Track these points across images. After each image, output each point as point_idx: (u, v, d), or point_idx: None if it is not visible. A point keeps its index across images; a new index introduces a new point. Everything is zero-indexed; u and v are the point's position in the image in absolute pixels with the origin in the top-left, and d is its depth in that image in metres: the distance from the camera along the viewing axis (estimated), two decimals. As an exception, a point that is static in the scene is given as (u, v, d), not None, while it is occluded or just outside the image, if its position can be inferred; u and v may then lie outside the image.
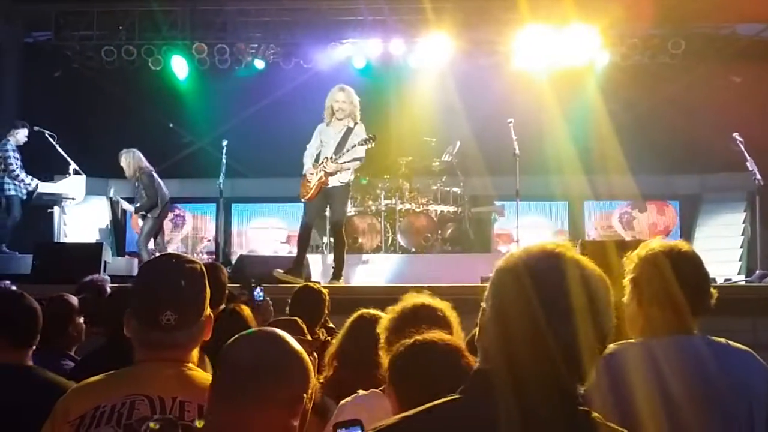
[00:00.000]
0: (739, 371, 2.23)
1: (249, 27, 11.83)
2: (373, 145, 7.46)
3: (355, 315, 3.28)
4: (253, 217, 12.86)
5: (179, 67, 11.70)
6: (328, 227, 10.08)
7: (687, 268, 2.29)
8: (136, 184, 9.02)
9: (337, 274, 7.37)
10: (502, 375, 1.33)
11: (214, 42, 11.61)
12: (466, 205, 10.70)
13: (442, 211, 10.33)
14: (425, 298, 2.59)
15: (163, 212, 9.19)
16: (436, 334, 2.05)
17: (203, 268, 2.03)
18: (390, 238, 9.92)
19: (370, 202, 10.07)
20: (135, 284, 2.07)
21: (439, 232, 10.28)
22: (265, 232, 12.71)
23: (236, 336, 1.66)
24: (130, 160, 9.02)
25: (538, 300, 1.33)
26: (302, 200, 7.54)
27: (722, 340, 2.31)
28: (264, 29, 11.80)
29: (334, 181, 7.32)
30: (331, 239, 8.53)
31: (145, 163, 9.09)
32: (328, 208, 8.12)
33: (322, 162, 7.32)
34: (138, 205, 9.04)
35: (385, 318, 2.65)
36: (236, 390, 1.55)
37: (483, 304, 1.42)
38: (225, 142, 9.14)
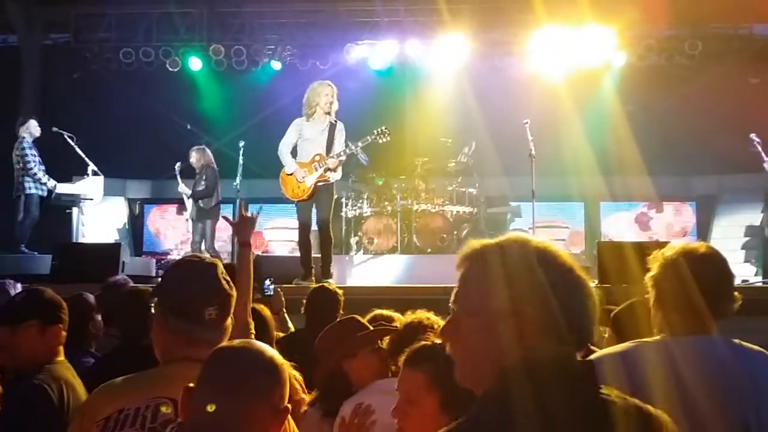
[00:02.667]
0: (751, 371, 2.24)
1: (265, 28, 11.91)
2: (389, 138, 7.46)
3: (369, 315, 3.31)
4: (270, 217, 12.92)
5: (196, 68, 11.80)
6: (344, 227, 10.15)
7: (708, 271, 2.29)
8: (202, 178, 9.78)
9: (326, 273, 7.30)
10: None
11: (231, 43, 11.70)
12: (482, 206, 10.69)
13: (457, 211, 10.32)
14: (422, 315, 2.64)
15: (216, 209, 9.87)
16: None
17: (224, 269, 2.08)
18: (406, 239, 9.93)
19: (386, 203, 10.08)
20: (169, 282, 2.10)
21: (455, 232, 10.28)
22: (282, 233, 12.77)
23: (228, 343, 1.72)
24: (200, 155, 9.88)
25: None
26: (296, 201, 7.43)
27: (736, 340, 2.32)
28: (280, 31, 11.87)
29: (329, 179, 7.29)
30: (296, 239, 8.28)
31: (212, 160, 9.86)
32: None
33: (316, 159, 7.28)
34: (194, 191, 9.85)
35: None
36: (237, 383, 1.58)
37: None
38: (242, 143, 9.22)
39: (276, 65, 11.91)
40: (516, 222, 11.11)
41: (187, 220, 10.37)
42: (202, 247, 9.72)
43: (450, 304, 1.46)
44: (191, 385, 1.59)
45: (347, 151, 7.38)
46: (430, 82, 11.93)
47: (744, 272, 10.68)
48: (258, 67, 11.91)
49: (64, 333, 2.83)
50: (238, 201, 9.43)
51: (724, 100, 10.85)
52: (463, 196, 10.44)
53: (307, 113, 7.36)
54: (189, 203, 10.06)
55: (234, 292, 2.06)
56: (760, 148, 8.00)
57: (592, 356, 2.43)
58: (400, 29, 11.51)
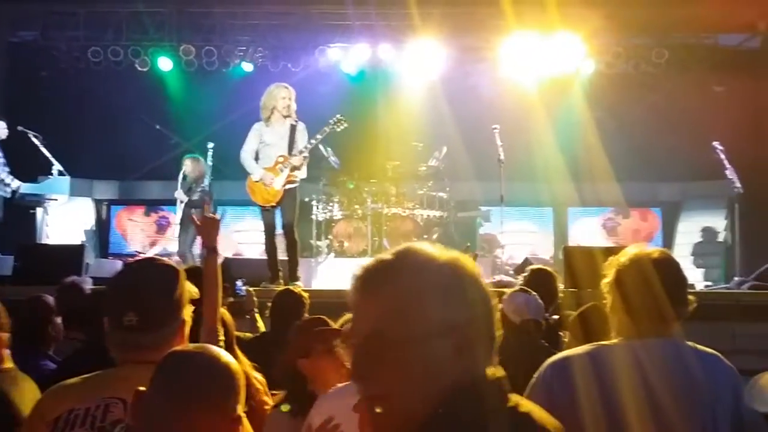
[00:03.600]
0: (705, 374, 2.29)
1: (237, 30, 11.84)
2: (345, 125, 7.44)
3: (342, 320, 3.31)
4: (241, 219, 12.84)
5: (166, 68, 11.71)
6: (314, 231, 10.13)
7: (663, 275, 2.34)
8: (199, 187, 9.62)
9: (293, 277, 7.26)
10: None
11: (201, 44, 11.61)
12: (452, 210, 10.74)
13: (428, 215, 10.36)
14: None
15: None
16: None
17: (179, 272, 2.06)
18: (376, 242, 9.94)
19: (357, 206, 10.09)
20: (107, 286, 2.11)
21: (425, 236, 10.31)
22: (252, 235, 12.70)
23: (182, 347, 1.72)
24: (196, 165, 9.70)
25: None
26: (267, 207, 7.35)
27: (690, 343, 2.36)
28: (252, 32, 11.82)
29: (296, 180, 7.27)
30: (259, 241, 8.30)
31: (206, 170, 9.67)
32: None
33: (280, 161, 7.22)
34: (190, 199, 9.65)
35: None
36: (187, 391, 1.57)
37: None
38: (211, 145, 9.17)
39: (247, 67, 11.85)
40: (485, 226, 11.17)
41: (176, 224, 10.28)
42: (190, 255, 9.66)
43: (352, 340, 1.34)
44: (142, 388, 1.58)
45: (309, 146, 7.32)
46: (402, 86, 11.96)
47: (707, 277, 10.87)
48: (229, 69, 11.84)
49: (4, 337, 2.75)
50: (203, 204, 9.42)
51: (689, 108, 11.04)
52: (433, 200, 10.48)
53: (264, 117, 7.30)
54: (180, 207, 10.00)
55: (180, 296, 2.04)
56: (722, 156, 8.13)
57: (555, 357, 2.47)
58: (372, 33, 11.53)
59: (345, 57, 11.74)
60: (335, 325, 3.05)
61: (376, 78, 11.94)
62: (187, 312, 2.07)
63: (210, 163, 9.13)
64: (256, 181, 7.33)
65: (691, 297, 2.38)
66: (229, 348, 3.09)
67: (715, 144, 8.17)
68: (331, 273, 9.03)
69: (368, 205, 9.94)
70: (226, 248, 12.45)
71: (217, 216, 3.03)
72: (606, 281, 2.43)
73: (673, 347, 2.33)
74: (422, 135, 10.96)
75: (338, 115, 7.56)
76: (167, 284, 2.02)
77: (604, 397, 2.21)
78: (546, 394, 2.27)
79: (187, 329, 2.05)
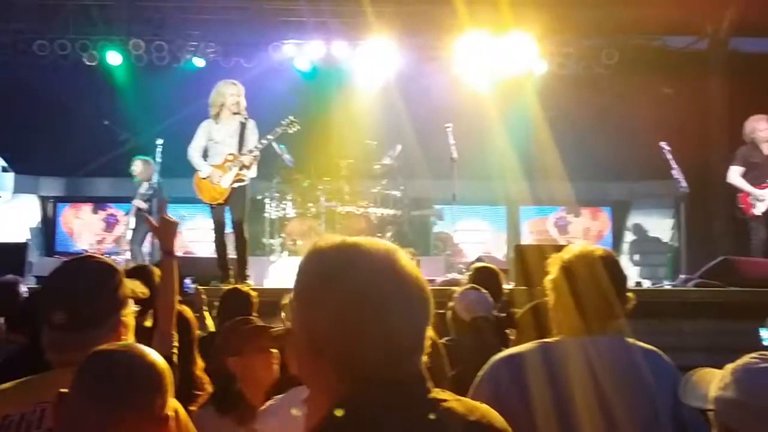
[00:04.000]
0: (647, 371, 2.33)
1: (188, 24, 11.67)
2: (298, 128, 7.40)
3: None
4: (192, 218, 12.67)
5: (115, 63, 11.48)
6: (267, 229, 10.05)
7: (607, 272, 2.37)
8: (150, 189, 9.54)
9: (242, 275, 7.19)
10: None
11: (151, 38, 11.42)
12: (406, 209, 10.76)
13: (382, 214, 10.37)
14: None
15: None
16: None
17: (116, 270, 2.00)
18: (330, 241, 9.90)
19: (310, 205, 10.04)
20: (41, 285, 2.05)
21: (379, 235, 10.31)
22: (203, 233, 12.54)
23: (106, 346, 1.67)
24: (146, 167, 9.69)
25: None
26: (214, 204, 7.27)
27: (631, 339, 2.40)
28: (204, 27, 11.66)
29: (245, 179, 7.20)
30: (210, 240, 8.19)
31: (156, 172, 9.55)
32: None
33: (229, 159, 7.14)
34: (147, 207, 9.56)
35: None
36: (109, 391, 1.54)
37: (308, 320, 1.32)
38: (160, 141, 9.03)
39: (198, 62, 11.69)
40: (439, 225, 11.22)
41: (128, 228, 10.11)
42: (139, 256, 9.54)
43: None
44: (64, 390, 1.54)
45: (260, 146, 7.24)
46: (357, 84, 11.95)
47: (654, 275, 11.10)
48: (180, 64, 11.66)
49: None
50: (154, 201, 9.27)
51: (639, 108, 11.24)
52: (387, 198, 10.50)
53: (213, 114, 7.21)
54: (133, 209, 9.84)
55: (115, 295, 1.98)
56: (669, 156, 8.29)
57: (504, 353, 2.47)
58: (326, 30, 11.49)
59: (299, 54, 11.67)
60: (260, 323, 3.03)
61: (330, 75, 11.90)
62: (128, 312, 2.01)
63: (159, 160, 8.98)
64: (204, 179, 7.23)
65: (630, 294, 2.42)
66: (190, 349, 3.04)
67: (662, 144, 8.32)
68: (283, 272, 8.96)
69: (322, 204, 9.91)
70: (175, 246, 12.27)
71: (175, 219, 2.96)
72: (549, 278, 2.46)
73: (617, 344, 2.36)
74: (376, 133, 10.97)
75: (291, 117, 7.51)
76: (101, 282, 1.96)
77: (554, 393, 2.23)
78: (493, 390, 2.28)
79: (127, 330, 2.00)
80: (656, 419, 2.27)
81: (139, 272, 3.52)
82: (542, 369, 2.28)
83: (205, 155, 7.30)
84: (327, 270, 1.29)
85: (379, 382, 1.24)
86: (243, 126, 7.21)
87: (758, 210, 8.08)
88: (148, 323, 3.69)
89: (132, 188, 11.71)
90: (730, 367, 1.50)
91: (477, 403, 1.36)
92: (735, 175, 8.23)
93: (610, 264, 2.42)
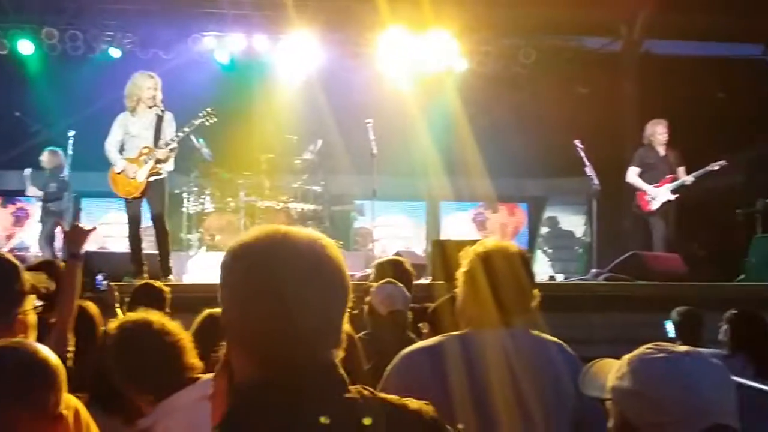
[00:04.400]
0: (549, 362, 2.41)
1: (105, 14, 11.32)
2: (215, 119, 7.30)
3: (202, 315, 3.23)
4: (107, 212, 12.34)
5: (27, 52, 11.06)
6: (185, 223, 9.88)
7: (514, 267, 2.44)
8: (55, 180, 9.38)
9: (166, 270, 7.11)
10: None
11: (65, 28, 11.03)
12: (327, 204, 10.76)
13: (302, 209, 10.33)
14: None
15: (64, 212, 9.57)
16: None
17: (15, 266, 1.96)
18: (249, 236, 9.81)
19: (230, 199, 9.92)
20: None
21: (300, 230, 10.28)
22: (118, 228, 12.23)
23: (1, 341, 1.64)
24: (53, 157, 9.58)
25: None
26: (129, 198, 7.15)
27: (535, 332, 2.48)
28: (121, 17, 11.33)
29: (162, 172, 7.11)
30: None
31: (64, 163, 9.33)
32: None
33: (144, 153, 7.03)
34: (46, 192, 9.47)
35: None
36: (2, 390, 1.52)
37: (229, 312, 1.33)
38: (72, 133, 8.77)
39: (115, 53, 11.35)
40: (360, 220, 11.26)
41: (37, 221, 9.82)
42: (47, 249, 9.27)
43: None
44: None
45: (176, 138, 7.14)
46: (278, 78, 11.84)
47: (568, 270, 11.43)
48: (95, 54, 11.31)
49: None
50: (66, 194, 9.01)
51: (556, 107, 11.52)
52: (308, 193, 10.46)
53: (129, 107, 7.07)
54: (38, 205, 9.52)
55: (17, 292, 1.94)
56: (583, 154, 8.56)
57: (417, 345, 2.52)
58: (246, 23, 11.34)
59: (219, 46, 11.48)
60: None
61: (251, 69, 11.75)
62: (27, 309, 1.97)
63: (70, 152, 8.72)
64: (119, 173, 7.07)
65: (535, 291, 2.49)
66: (93, 347, 2.97)
67: (576, 142, 8.58)
68: (202, 267, 8.84)
69: (241, 198, 9.81)
70: (89, 241, 11.93)
71: (89, 227, 2.91)
72: (462, 270, 2.51)
73: (529, 336, 2.44)
74: (297, 128, 10.91)
75: (208, 108, 7.40)
76: None
77: (472, 383, 2.29)
78: (408, 382, 2.31)
79: (26, 327, 1.95)
80: (563, 409, 2.35)
81: (44, 267, 3.43)
82: (461, 360, 2.33)
83: (121, 149, 7.14)
84: (233, 256, 1.32)
85: (284, 368, 1.25)
86: (159, 118, 7.10)
87: (654, 206, 8.50)
88: (54, 320, 3.62)
89: (44, 181, 11.39)
90: (626, 357, 1.54)
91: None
92: (633, 174, 8.81)
93: (520, 259, 2.50)
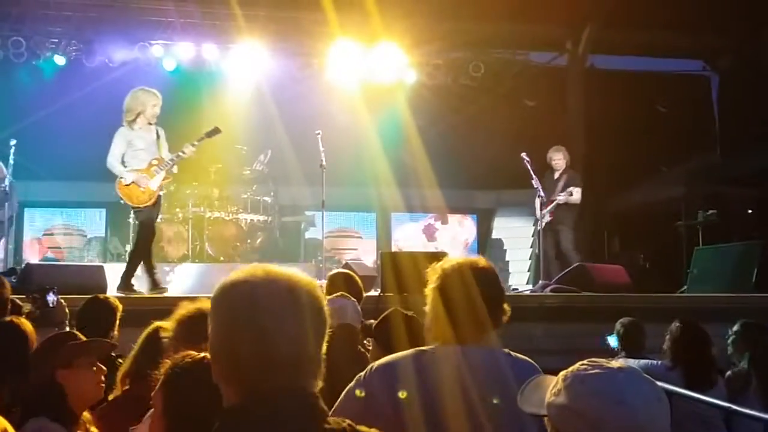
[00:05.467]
0: (519, 381, 2.40)
1: (49, 20, 11.09)
2: (220, 132, 7.67)
3: (150, 328, 3.19)
4: (51, 222, 12.07)
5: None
6: (131, 234, 9.71)
7: (486, 283, 2.44)
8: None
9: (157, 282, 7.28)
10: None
11: (8, 34, 10.78)
12: (277, 215, 10.70)
13: (252, 220, 10.27)
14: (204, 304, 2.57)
15: (7, 222, 9.35)
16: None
17: None
18: (197, 247, 9.71)
19: (178, 210, 9.81)
20: None
21: (249, 241, 10.22)
22: (64, 239, 11.97)
23: None
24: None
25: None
26: (140, 207, 7.21)
27: (506, 350, 2.47)
28: (66, 24, 11.12)
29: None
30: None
31: (6, 173, 8.93)
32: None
33: (154, 164, 7.16)
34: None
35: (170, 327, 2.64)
36: None
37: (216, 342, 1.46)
38: (13, 142, 8.59)
39: (60, 60, 11.13)
40: (310, 231, 11.22)
41: None
42: None
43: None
44: None
45: (186, 152, 7.38)
46: (227, 88, 11.75)
47: (516, 281, 11.56)
48: (39, 61, 11.07)
49: None
50: (7, 204, 8.79)
51: (504, 120, 11.70)
52: (258, 204, 10.41)
53: (128, 120, 7.11)
54: None
55: None
56: (529, 167, 8.70)
57: (378, 362, 2.50)
58: (195, 32, 11.22)
59: (167, 54, 11.34)
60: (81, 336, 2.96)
61: (200, 77, 11.64)
62: None
63: (11, 161, 8.52)
64: (128, 185, 7.12)
65: (506, 306, 2.48)
66: (24, 364, 2.90)
67: (523, 155, 8.71)
68: (147, 279, 8.68)
69: (189, 209, 9.71)
70: (33, 253, 11.65)
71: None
72: (429, 288, 2.50)
73: (490, 354, 2.42)
74: (247, 138, 10.85)
75: (215, 126, 7.65)
76: None
77: (426, 402, 2.28)
78: (365, 400, 2.30)
79: None
80: (525, 428, 2.33)
81: None
82: (415, 378, 2.32)
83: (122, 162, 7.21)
84: (221, 290, 1.45)
85: (260, 394, 1.35)
86: (158, 133, 7.28)
87: (540, 227, 8.86)
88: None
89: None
90: (562, 373, 1.55)
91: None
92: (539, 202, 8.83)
93: (490, 276, 2.49)
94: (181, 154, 7.35)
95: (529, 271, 11.82)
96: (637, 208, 12.73)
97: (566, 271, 8.23)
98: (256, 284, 1.42)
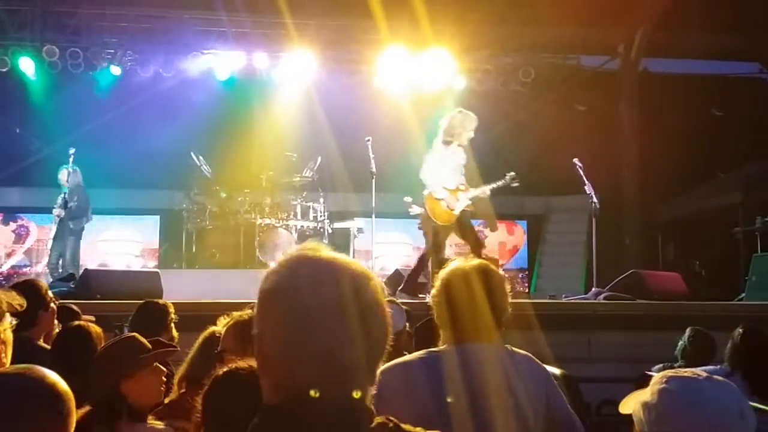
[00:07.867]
0: (520, 375, 2.48)
1: (105, 31, 11.37)
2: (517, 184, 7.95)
3: (206, 332, 3.22)
4: (106, 229, 12.34)
5: (28, 70, 11.10)
6: (185, 241, 9.88)
7: (486, 285, 2.50)
8: (74, 198, 9.25)
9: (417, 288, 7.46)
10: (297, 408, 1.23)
11: (66, 45, 11.07)
12: (326, 221, 10.76)
13: (302, 226, 10.33)
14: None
15: (82, 229, 9.65)
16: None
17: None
18: (249, 253, 9.82)
19: (230, 217, 9.94)
20: None
21: (299, 247, 10.28)
22: (118, 245, 12.23)
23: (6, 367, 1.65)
24: (73, 175, 9.31)
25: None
26: (441, 224, 7.46)
27: (507, 346, 2.56)
28: (121, 35, 11.39)
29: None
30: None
31: (81, 181, 9.39)
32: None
33: (461, 189, 7.49)
34: (67, 210, 9.29)
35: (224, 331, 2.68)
36: (8, 416, 1.50)
37: (255, 330, 1.30)
38: (72, 150, 8.80)
39: (115, 70, 11.40)
40: (359, 238, 11.25)
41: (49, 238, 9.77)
42: (59, 268, 9.22)
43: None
44: None
45: (488, 192, 7.80)
46: (278, 96, 11.89)
47: (568, 288, 11.39)
48: (96, 71, 11.35)
49: None
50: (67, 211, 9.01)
51: (555, 125, 11.56)
52: (307, 210, 10.47)
53: (444, 140, 7.45)
54: (55, 221, 9.50)
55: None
56: (582, 172, 8.57)
57: (388, 364, 2.52)
58: (246, 41, 11.39)
59: (219, 64, 11.52)
60: (143, 340, 2.99)
61: (251, 86, 11.79)
62: (4, 327, 1.98)
63: (70, 170, 8.77)
64: (437, 200, 7.41)
65: (507, 307, 2.55)
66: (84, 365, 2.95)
67: (575, 161, 8.59)
68: (201, 284, 8.81)
69: (241, 216, 9.81)
70: (91, 258, 11.93)
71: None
72: (433, 293, 2.58)
73: (491, 351, 2.49)
74: (297, 145, 10.94)
75: (513, 173, 7.88)
76: None
77: (438, 400, 2.34)
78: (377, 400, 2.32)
79: (3, 345, 1.95)
80: (529, 420, 2.40)
81: (22, 286, 3.46)
82: (425, 377, 2.40)
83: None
84: (272, 284, 1.27)
85: (292, 393, 1.22)
86: (467, 154, 7.54)
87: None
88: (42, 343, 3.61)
89: (47, 198, 11.39)
90: (656, 377, 1.63)
91: None
92: None
93: (491, 277, 2.55)
94: (487, 191, 7.67)
95: (580, 277, 11.65)
96: (692, 214, 12.46)
97: (620, 278, 8.07)
98: (313, 271, 1.26)
